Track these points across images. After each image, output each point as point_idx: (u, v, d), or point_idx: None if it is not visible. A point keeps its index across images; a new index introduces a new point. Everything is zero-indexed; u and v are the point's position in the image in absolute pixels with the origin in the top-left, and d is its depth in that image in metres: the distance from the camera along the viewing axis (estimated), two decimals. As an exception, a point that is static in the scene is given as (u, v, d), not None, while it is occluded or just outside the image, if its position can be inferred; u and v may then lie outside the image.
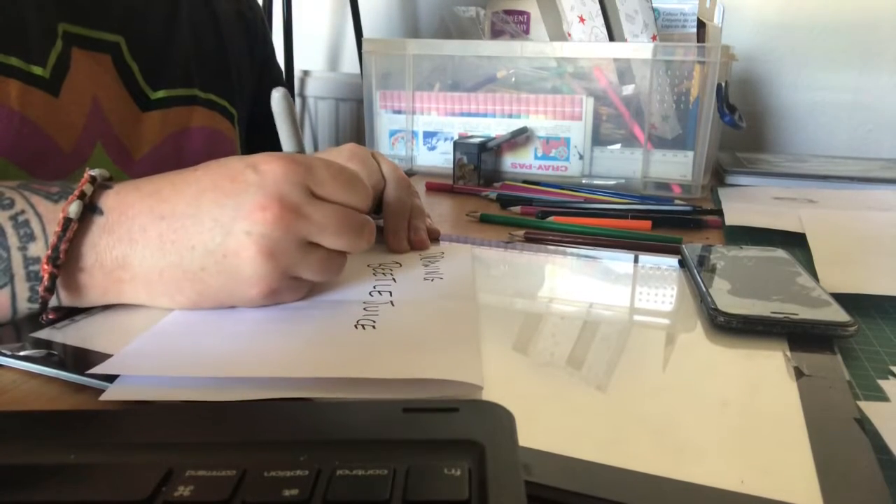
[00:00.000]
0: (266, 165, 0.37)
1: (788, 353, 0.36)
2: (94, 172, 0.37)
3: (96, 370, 0.31)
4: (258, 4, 0.77)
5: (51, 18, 0.51)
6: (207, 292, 0.37)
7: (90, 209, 0.36)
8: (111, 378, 0.31)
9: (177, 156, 0.62)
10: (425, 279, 0.46)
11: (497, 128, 0.88)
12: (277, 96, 0.42)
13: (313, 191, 0.38)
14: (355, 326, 0.37)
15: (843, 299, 0.41)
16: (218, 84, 0.67)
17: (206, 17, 0.67)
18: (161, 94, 0.60)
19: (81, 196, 0.36)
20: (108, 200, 0.37)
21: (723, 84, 0.78)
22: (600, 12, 0.82)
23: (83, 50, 0.54)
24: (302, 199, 0.36)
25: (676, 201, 0.76)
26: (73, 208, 0.35)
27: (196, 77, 0.64)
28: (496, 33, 0.95)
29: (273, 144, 0.81)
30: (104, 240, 0.36)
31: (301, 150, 0.42)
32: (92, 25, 0.54)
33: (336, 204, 0.38)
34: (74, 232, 0.35)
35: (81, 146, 0.54)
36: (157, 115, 0.60)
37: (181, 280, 0.36)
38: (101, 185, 0.37)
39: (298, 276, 0.38)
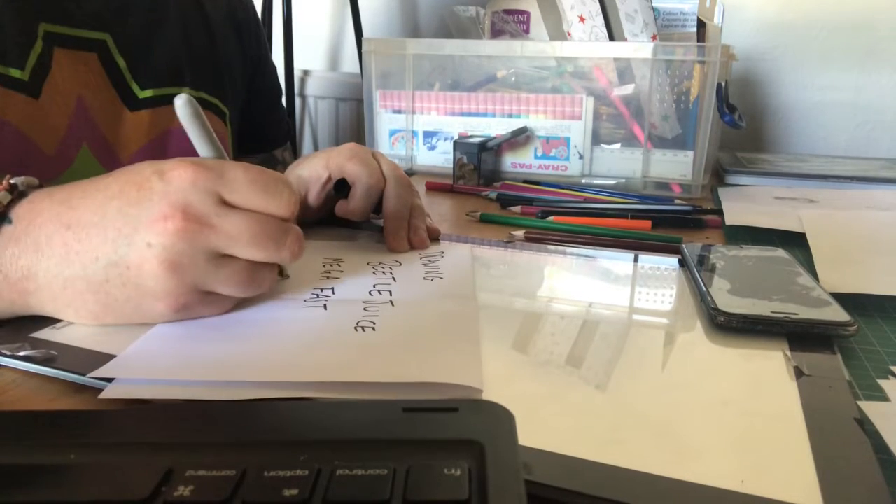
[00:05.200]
0: (173, 172, 0.35)
1: (788, 353, 0.36)
2: (17, 180, 0.36)
3: (96, 373, 0.31)
4: (252, 4, 0.77)
5: (30, 19, 0.51)
6: (113, 306, 0.35)
7: (0, 219, 0.35)
8: (111, 377, 0.31)
9: (165, 156, 0.62)
10: (425, 279, 0.46)
11: (497, 127, 0.88)
12: (179, 104, 0.38)
13: (225, 198, 0.35)
14: (355, 328, 0.37)
15: (843, 299, 0.41)
16: (209, 82, 0.66)
17: (196, 15, 0.66)
18: (149, 92, 0.60)
19: None
20: (20, 209, 0.36)
21: (723, 84, 0.78)
22: (600, 12, 0.82)
23: (67, 49, 0.53)
24: (209, 208, 0.34)
25: (676, 201, 0.76)
26: None
27: (187, 75, 0.64)
28: (496, 33, 0.95)
29: (265, 144, 0.81)
30: (10, 249, 0.35)
31: (219, 154, 0.40)
32: (75, 24, 0.54)
33: (251, 212, 0.36)
34: None
35: (66, 148, 0.53)
36: (146, 114, 0.60)
37: (84, 292, 0.35)
38: (21, 194, 0.36)
39: (213, 291, 0.36)
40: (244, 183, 0.35)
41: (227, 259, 0.36)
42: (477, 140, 0.83)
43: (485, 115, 0.88)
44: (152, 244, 0.33)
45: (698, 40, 0.84)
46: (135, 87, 0.59)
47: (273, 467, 0.21)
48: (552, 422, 0.29)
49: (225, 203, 0.35)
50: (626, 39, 0.82)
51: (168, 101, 0.61)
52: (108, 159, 0.57)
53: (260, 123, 0.79)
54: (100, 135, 0.56)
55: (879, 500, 0.24)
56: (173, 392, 0.30)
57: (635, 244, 0.57)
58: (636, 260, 0.53)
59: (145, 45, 0.60)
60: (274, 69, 0.83)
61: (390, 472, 0.21)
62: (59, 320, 0.37)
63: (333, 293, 0.42)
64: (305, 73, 1.51)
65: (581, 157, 0.85)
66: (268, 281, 0.38)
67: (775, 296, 0.41)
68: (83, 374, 0.31)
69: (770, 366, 0.35)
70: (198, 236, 0.34)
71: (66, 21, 0.53)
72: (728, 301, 0.40)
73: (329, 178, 0.55)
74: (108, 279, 0.34)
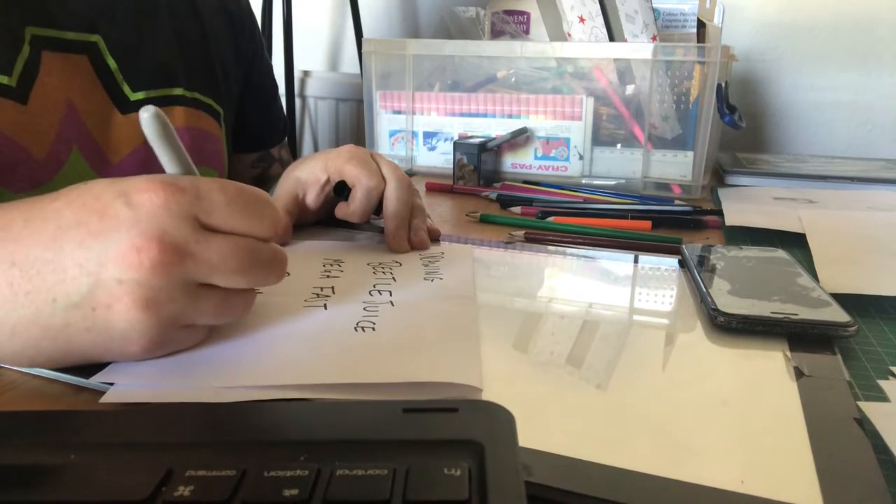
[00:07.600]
0: (141, 195, 0.30)
1: (788, 353, 0.36)
2: None
3: (97, 377, 0.31)
4: None
5: (16, 24, 0.50)
6: (75, 351, 0.31)
7: None
8: (111, 381, 0.31)
9: (158, 160, 0.60)
10: (425, 279, 0.46)
11: (497, 128, 0.88)
12: (146, 116, 0.33)
13: (203, 221, 0.31)
14: (355, 329, 0.37)
15: (843, 299, 0.41)
16: (203, 82, 0.65)
17: (188, 12, 0.65)
18: (141, 95, 0.59)
19: None
20: None
21: (723, 84, 0.78)
22: (600, 12, 0.82)
23: (55, 52, 0.52)
24: (189, 235, 0.30)
25: (676, 201, 0.76)
26: None
27: (180, 75, 0.62)
28: (496, 33, 0.95)
29: (262, 142, 0.81)
30: None
31: (188, 170, 0.34)
32: (63, 27, 0.53)
33: (233, 235, 0.32)
34: None
35: (56, 152, 0.52)
36: (137, 117, 0.59)
37: (39, 338, 0.30)
38: None
39: (191, 324, 0.33)
40: (224, 202, 0.32)
41: (205, 288, 0.32)
42: (477, 141, 0.83)
43: (485, 115, 0.88)
44: (124, 280, 0.29)
45: (698, 41, 0.84)
46: (126, 89, 0.58)
47: (273, 467, 0.21)
48: (552, 422, 0.29)
49: (203, 227, 0.31)
50: (626, 40, 0.82)
51: (161, 103, 0.60)
52: (99, 163, 0.56)
53: (256, 121, 0.78)
54: (90, 138, 0.55)
55: (879, 500, 0.24)
56: (174, 396, 0.30)
57: (635, 245, 0.57)
58: (636, 260, 0.53)
59: (136, 44, 0.59)
60: (269, 65, 0.81)
61: (390, 472, 0.21)
62: None
63: (333, 293, 0.42)
64: (305, 73, 1.51)
65: (581, 157, 0.85)
66: (248, 305, 0.35)
67: (775, 296, 0.41)
68: (85, 378, 0.31)
69: (770, 366, 0.35)
70: (176, 269, 0.30)
71: (54, 24, 0.52)
72: (728, 301, 0.40)
73: (328, 181, 0.55)
74: (69, 323, 0.30)
